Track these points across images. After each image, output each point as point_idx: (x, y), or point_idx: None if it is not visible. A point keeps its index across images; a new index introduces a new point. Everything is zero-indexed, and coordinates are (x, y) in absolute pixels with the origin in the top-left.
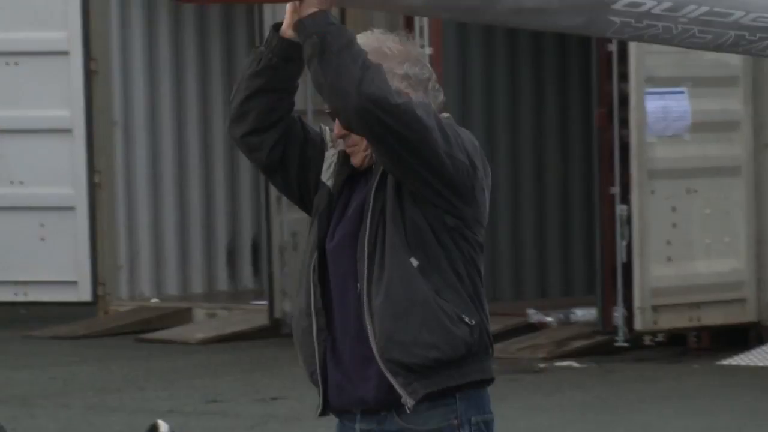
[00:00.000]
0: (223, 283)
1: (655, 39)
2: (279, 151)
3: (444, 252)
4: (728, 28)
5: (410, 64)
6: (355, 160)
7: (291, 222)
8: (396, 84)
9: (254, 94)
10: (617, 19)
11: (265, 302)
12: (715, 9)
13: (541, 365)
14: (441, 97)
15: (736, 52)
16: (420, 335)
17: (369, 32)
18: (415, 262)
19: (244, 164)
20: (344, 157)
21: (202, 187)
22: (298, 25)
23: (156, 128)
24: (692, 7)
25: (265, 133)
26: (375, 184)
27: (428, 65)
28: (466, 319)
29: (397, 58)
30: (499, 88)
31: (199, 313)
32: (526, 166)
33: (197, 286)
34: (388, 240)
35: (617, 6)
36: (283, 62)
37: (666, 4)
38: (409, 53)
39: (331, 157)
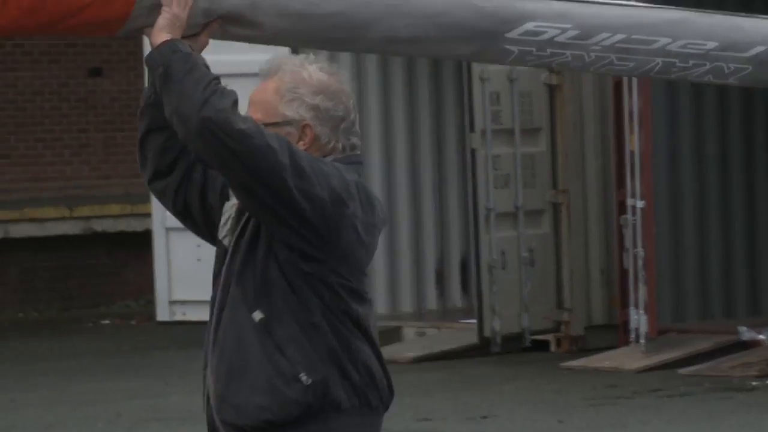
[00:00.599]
0: (432, 302)
1: (566, 66)
2: (182, 197)
3: (298, 302)
4: (653, 55)
5: (324, 97)
6: None
7: (499, 240)
8: (302, 112)
9: (145, 134)
10: (515, 48)
11: (473, 321)
12: (634, 36)
13: (754, 383)
14: (353, 140)
15: (669, 79)
16: (251, 397)
17: (304, 56)
18: (258, 317)
19: (451, 184)
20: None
21: (410, 209)
22: (147, 59)
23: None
24: (605, 35)
25: (168, 176)
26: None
27: (350, 105)
28: (303, 378)
29: (314, 87)
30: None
31: (409, 332)
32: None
33: (407, 305)
34: (230, 296)
35: (512, 35)
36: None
37: (572, 33)
38: (328, 86)
39: (229, 209)
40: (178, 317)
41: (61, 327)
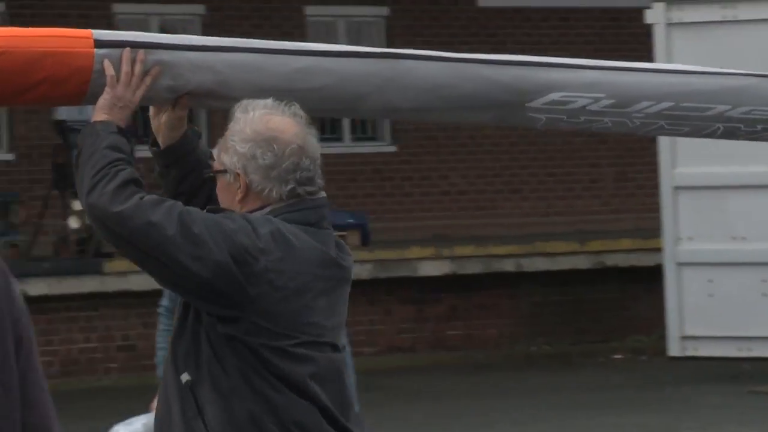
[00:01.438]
0: None
1: (607, 131)
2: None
3: (220, 366)
4: (711, 120)
5: (254, 144)
6: None
7: None
8: (235, 161)
9: (166, 191)
10: (542, 116)
11: None
12: (684, 104)
13: None
14: (294, 186)
15: (736, 139)
16: None
17: (264, 100)
18: (185, 378)
19: None
20: None
21: None
22: (78, 138)
23: None
24: (646, 103)
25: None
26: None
27: (285, 151)
28: None
29: (245, 134)
30: None
31: None
32: None
33: None
34: (170, 356)
35: (535, 104)
36: (165, 169)
37: (606, 102)
38: (260, 133)
39: None
40: (690, 352)
41: (571, 361)
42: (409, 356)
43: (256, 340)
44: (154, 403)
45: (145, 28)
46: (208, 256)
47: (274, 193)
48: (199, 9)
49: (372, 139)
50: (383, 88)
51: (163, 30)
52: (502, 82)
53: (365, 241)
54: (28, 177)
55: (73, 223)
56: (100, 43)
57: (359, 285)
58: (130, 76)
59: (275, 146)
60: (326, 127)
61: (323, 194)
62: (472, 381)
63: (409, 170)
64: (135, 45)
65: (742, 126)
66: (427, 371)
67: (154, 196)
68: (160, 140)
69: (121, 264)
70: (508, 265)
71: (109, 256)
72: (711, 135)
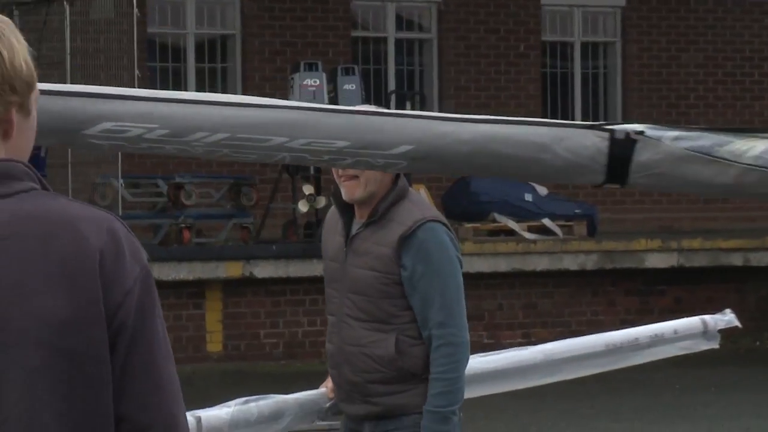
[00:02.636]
0: None
1: (180, 154)
2: None
3: None
4: (273, 150)
5: None
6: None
7: None
8: None
9: None
10: (102, 142)
11: None
12: (240, 135)
13: None
14: None
15: (308, 164)
16: None
17: None
18: None
19: None
20: None
21: None
22: None
23: None
24: (202, 134)
25: None
26: None
27: None
28: None
29: None
30: None
31: None
32: None
33: None
34: None
35: (91, 132)
36: None
37: (160, 131)
38: None
39: None
40: None
41: None
42: None
43: None
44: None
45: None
46: None
47: None
48: None
49: None
50: None
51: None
52: (54, 111)
53: (592, 232)
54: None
55: (302, 207)
56: None
57: (584, 275)
58: None
59: None
60: (557, 116)
61: None
62: (695, 374)
63: None
64: None
65: (308, 156)
66: (649, 362)
67: None
68: None
69: None
70: (736, 259)
71: None
72: (281, 161)
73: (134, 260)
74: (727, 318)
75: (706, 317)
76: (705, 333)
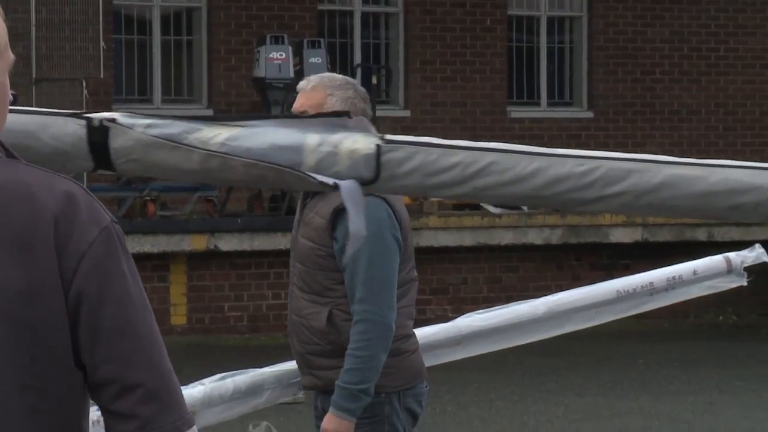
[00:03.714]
0: None
1: None
2: None
3: None
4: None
5: None
6: None
7: None
8: None
9: None
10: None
11: None
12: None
13: None
14: None
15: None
16: None
17: None
18: None
19: None
20: None
21: None
22: None
23: None
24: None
25: None
26: None
27: None
28: None
29: None
30: None
31: None
32: None
33: None
34: None
35: None
36: None
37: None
38: None
39: None
40: None
41: (760, 332)
42: None
43: None
44: None
45: None
46: None
47: None
48: None
49: (569, 104)
50: None
51: None
52: None
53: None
54: None
55: None
56: None
57: (549, 250)
58: None
59: None
60: (523, 91)
61: None
62: (659, 349)
63: (605, 137)
64: None
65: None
66: (614, 338)
67: None
68: None
69: None
70: (700, 234)
71: None
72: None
73: (92, 223)
74: (755, 253)
75: (730, 254)
76: (730, 271)
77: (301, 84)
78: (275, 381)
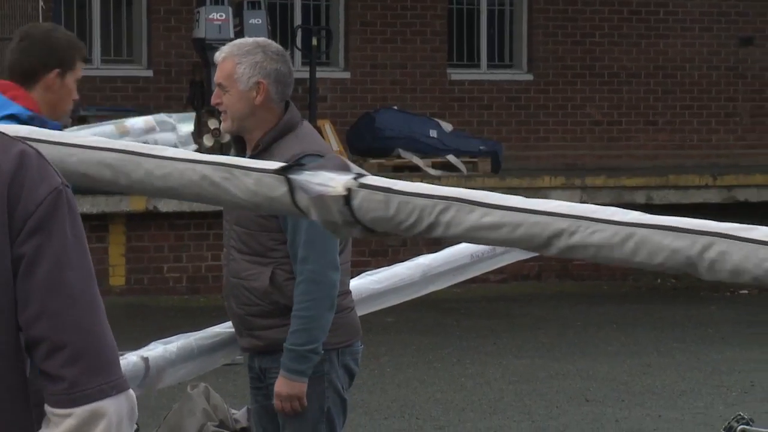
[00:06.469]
0: None
1: None
2: None
3: None
4: None
5: None
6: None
7: None
8: None
9: None
10: None
11: None
12: None
13: None
14: None
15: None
16: None
17: None
18: None
19: None
20: None
21: None
22: None
23: None
24: None
25: None
26: None
27: None
28: None
29: None
30: None
31: None
32: None
33: None
34: None
35: None
36: None
37: None
38: None
39: None
40: None
41: (698, 294)
42: (534, 284)
43: None
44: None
45: None
46: None
47: None
48: None
49: (509, 66)
50: None
51: None
52: None
53: (496, 169)
54: (165, 94)
55: (207, 141)
56: None
57: None
58: None
59: None
60: (463, 53)
61: None
62: (597, 311)
63: (545, 99)
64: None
65: None
66: (553, 300)
67: None
68: None
69: None
70: (639, 197)
71: None
72: None
73: (43, 183)
74: None
75: None
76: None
77: (216, 55)
78: (213, 344)
